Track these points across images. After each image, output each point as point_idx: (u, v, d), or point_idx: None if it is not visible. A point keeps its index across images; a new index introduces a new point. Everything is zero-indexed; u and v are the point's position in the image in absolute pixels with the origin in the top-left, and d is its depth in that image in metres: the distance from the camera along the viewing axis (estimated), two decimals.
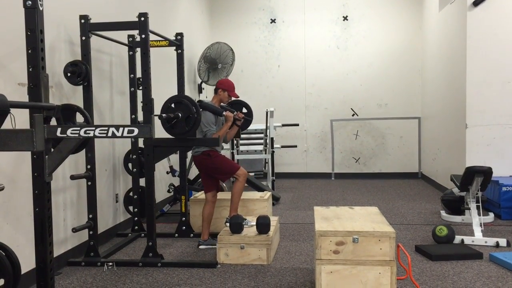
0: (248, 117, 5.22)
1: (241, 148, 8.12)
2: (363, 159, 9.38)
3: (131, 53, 5.03)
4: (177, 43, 5.00)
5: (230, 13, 9.62)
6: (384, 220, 3.15)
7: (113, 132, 2.48)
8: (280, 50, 9.49)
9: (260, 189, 6.77)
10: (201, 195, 5.38)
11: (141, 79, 4.12)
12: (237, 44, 9.44)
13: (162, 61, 6.43)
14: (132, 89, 5.00)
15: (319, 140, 9.47)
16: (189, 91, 8.11)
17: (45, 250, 2.50)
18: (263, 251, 4.05)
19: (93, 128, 2.49)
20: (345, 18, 9.26)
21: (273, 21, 9.48)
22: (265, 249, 4.05)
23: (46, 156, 2.50)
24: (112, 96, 5.10)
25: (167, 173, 6.09)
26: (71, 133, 2.49)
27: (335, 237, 2.88)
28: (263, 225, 4.14)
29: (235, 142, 7.63)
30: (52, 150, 2.53)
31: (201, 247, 4.54)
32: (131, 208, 5.15)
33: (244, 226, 4.25)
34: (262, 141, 7.95)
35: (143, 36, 3.99)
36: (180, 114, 3.79)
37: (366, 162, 9.38)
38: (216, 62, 8.19)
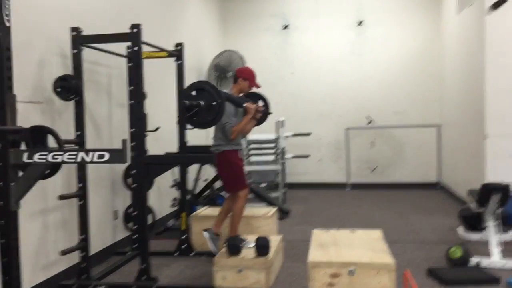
0: (265, 112, 4.98)
1: (252, 158, 7.90)
2: (380, 168, 9.05)
3: (130, 64, 4.84)
4: (177, 53, 4.80)
5: (242, 20, 9.43)
6: (385, 248, 2.89)
7: (82, 157, 2.30)
8: (293, 57, 9.25)
9: (269, 202, 6.54)
10: (203, 211, 5.18)
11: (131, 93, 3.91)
12: (249, 51, 9.22)
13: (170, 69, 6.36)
14: (132, 101, 4.81)
15: (333, 149, 9.18)
16: None
17: (10, 284, 2.31)
18: (261, 274, 3.81)
19: (62, 153, 2.30)
20: (360, 23, 8.97)
21: (285, 27, 9.25)
22: (264, 272, 3.81)
23: (12, 184, 2.31)
24: (111, 109, 4.94)
25: (171, 187, 5.89)
26: (38, 158, 2.31)
27: (329, 269, 2.64)
28: (262, 247, 3.91)
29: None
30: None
31: (205, 234, 4.31)
32: (131, 225, 4.97)
33: (243, 247, 4.03)
34: (273, 151, 7.71)
35: (135, 48, 3.80)
36: (201, 103, 3.57)
37: (383, 172, 9.05)
38: (226, 71, 8.00)
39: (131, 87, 3.87)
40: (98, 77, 4.77)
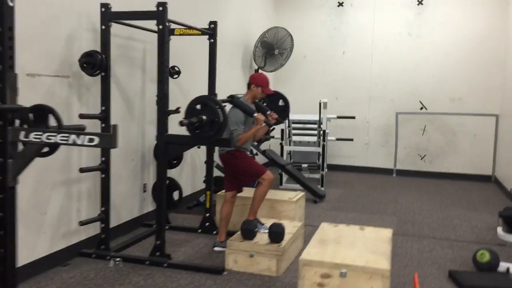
0: (284, 110, 4.94)
1: (294, 138, 7.79)
2: (430, 156, 8.67)
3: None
4: (210, 32, 4.75)
5: None
6: (388, 251, 2.75)
7: (74, 140, 2.32)
8: (346, 36, 8.94)
9: (304, 185, 6.46)
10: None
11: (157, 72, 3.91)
12: (302, 28, 9.06)
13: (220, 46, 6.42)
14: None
15: (382, 133, 8.88)
16: (245, 77, 7.89)
17: (5, 257, 2.41)
18: (272, 261, 3.78)
19: (55, 134, 2.34)
20: (420, 2, 8.49)
21: (340, 4, 8.93)
22: (275, 260, 3.77)
23: (10, 160, 2.39)
24: (144, 84, 5.00)
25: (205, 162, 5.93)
26: (34, 138, 2.37)
27: (320, 268, 2.55)
28: (275, 234, 3.86)
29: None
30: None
31: (215, 248, 4.35)
32: None
33: (259, 232, 4.01)
34: (315, 132, 7.56)
35: (161, 27, 3.79)
36: (204, 118, 3.60)
37: (433, 160, 8.66)
38: (273, 48, 7.88)
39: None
40: (132, 52, 4.82)
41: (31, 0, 3.48)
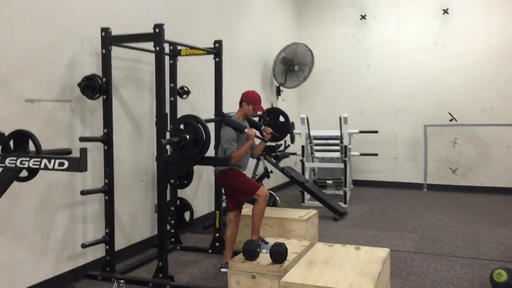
0: (285, 126, 4.89)
1: (316, 154, 7.67)
2: (462, 170, 8.33)
3: (171, 61, 4.91)
4: (215, 51, 4.75)
5: (318, 10, 9.14)
6: (376, 273, 2.61)
7: (45, 164, 2.34)
8: (369, 49, 8.79)
9: (323, 202, 6.33)
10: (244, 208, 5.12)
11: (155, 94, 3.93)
12: (324, 43, 9.00)
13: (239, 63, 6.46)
14: (172, 98, 4.89)
15: (410, 147, 8.61)
16: (265, 94, 7.86)
17: None
18: (274, 282, 3.65)
19: (28, 159, 2.36)
20: (445, 11, 8.26)
21: (363, 17, 8.80)
22: (277, 281, 3.66)
23: None
24: (154, 106, 5.01)
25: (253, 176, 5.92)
26: (8, 163, 2.40)
27: None
28: (276, 254, 3.74)
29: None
30: None
31: (222, 270, 4.28)
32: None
33: (261, 252, 3.91)
34: (339, 147, 7.41)
35: (157, 48, 3.82)
36: (187, 136, 3.59)
37: (465, 174, 8.31)
38: (293, 64, 7.82)
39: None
40: (141, 75, 4.87)
41: (30, 26, 3.58)
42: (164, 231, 3.93)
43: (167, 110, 4.90)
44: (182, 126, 3.68)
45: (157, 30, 3.81)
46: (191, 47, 4.63)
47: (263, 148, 4.47)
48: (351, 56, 8.91)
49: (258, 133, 4.26)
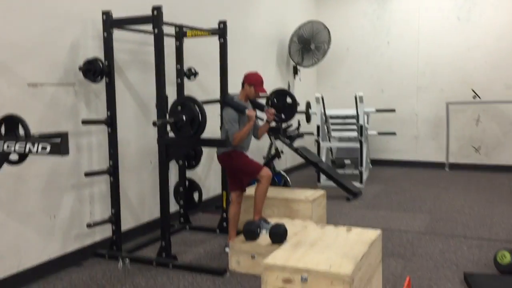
0: (292, 108, 4.86)
1: (333, 134, 7.60)
2: (485, 149, 8.11)
3: (177, 43, 4.93)
4: (219, 32, 4.73)
5: None
6: (359, 255, 2.59)
7: (29, 148, 2.40)
8: (390, 25, 8.57)
9: (336, 181, 6.31)
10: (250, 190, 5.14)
11: (155, 74, 3.95)
12: (344, 20, 8.85)
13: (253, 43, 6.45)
14: (179, 80, 4.92)
15: (432, 125, 8.42)
16: (281, 74, 7.81)
17: None
18: None
19: (14, 143, 2.44)
20: None
21: None
22: None
23: None
24: None
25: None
26: None
27: (282, 273, 2.45)
28: (275, 235, 3.78)
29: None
30: None
31: (227, 249, 4.33)
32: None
33: (262, 233, 3.94)
34: (353, 127, 7.32)
35: (156, 30, 3.83)
36: (184, 117, 3.63)
37: (489, 153, 8.09)
38: (309, 42, 7.71)
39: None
40: (147, 57, 4.87)
41: (32, 11, 3.64)
42: (166, 211, 4.00)
43: (174, 92, 4.96)
44: (179, 108, 3.71)
45: (155, 12, 3.82)
46: (195, 29, 4.63)
47: (267, 129, 4.45)
48: (371, 33, 8.72)
49: (258, 114, 4.24)
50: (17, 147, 2.43)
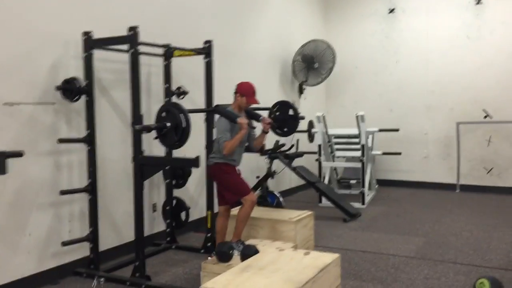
0: (295, 120, 4.82)
1: (337, 153, 7.50)
2: (497, 170, 7.82)
3: (165, 63, 4.97)
4: (204, 51, 4.74)
5: (345, 6, 8.92)
6: (304, 280, 2.50)
7: None
8: (398, 44, 8.45)
9: (333, 202, 6.19)
10: (234, 211, 5.08)
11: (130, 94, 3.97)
12: (352, 39, 8.80)
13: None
14: (167, 99, 4.95)
15: (442, 145, 8.20)
16: (284, 92, 7.77)
17: None
18: None
19: None
20: (478, 1, 7.78)
21: (391, 11, 8.48)
22: None
23: None
24: (150, 106, 5.08)
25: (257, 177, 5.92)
26: None
27: None
28: (245, 256, 3.68)
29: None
30: None
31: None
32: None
33: (233, 254, 3.87)
34: (357, 146, 7.19)
35: (132, 50, 3.87)
36: (168, 124, 3.62)
37: (501, 174, 7.80)
38: (313, 61, 7.66)
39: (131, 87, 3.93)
40: None
41: (11, 32, 3.73)
42: (140, 232, 3.98)
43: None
44: (164, 114, 3.71)
45: (131, 33, 3.86)
46: (181, 48, 4.66)
47: (263, 140, 4.36)
48: (379, 52, 8.62)
49: (250, 122, 4.17)
50: None
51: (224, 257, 3.83)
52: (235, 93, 4.19)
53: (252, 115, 4.36)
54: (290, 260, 2.87)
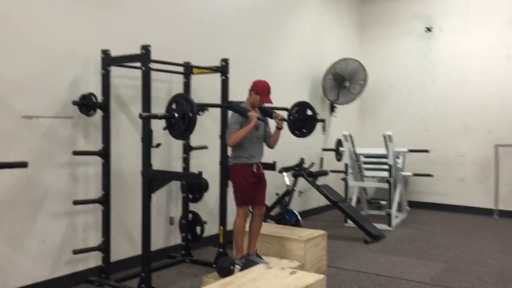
0: (311, 120, 4.84)
1: (366, 173, 7.39)
2: None
3: (185, 80, 5.11)
4: (221, 69, 4.84)
5: (382, 24, 8.83)
6: None
7: None
8: (436, 63, 8.26)
9: (356, 222, 6.10)
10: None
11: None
12: (388, 57, 8.69)
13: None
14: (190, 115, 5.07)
15: (479, 168, 7.89)
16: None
17: None
18: None
19: None
20: None
21: (428, 29, 8.31)
22: None
23: None
24: None
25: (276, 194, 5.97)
26: None
27: None
28: (220, 269, 3.73)
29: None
30: None
31: (236, 267, 4.22)
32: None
33: (234, 269, 3.90)
34: (385, 167, 7.04)
35: (144, 68, 4.01)
36: (175, 114, 3.74)
37: None
38: (344, 80, 7.62)
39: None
40: (156, 93, 5.06)
41: (33, 50, 3.98)
42: (147, 242, 4.07)
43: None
44: (174, 106, 3.84)
45: (143, 51, 4.01)
46: (196, 67, 4.79)
47: (278, 137, 4.36)
48: (416, 71, 8.45)
49: (259, 115, 4.22)
50: None
51: (225, 272, 3.87)
52: (250, 90, 4.25)
53: (265, 112, 4.39)
54: (273, 278, 2.87)
